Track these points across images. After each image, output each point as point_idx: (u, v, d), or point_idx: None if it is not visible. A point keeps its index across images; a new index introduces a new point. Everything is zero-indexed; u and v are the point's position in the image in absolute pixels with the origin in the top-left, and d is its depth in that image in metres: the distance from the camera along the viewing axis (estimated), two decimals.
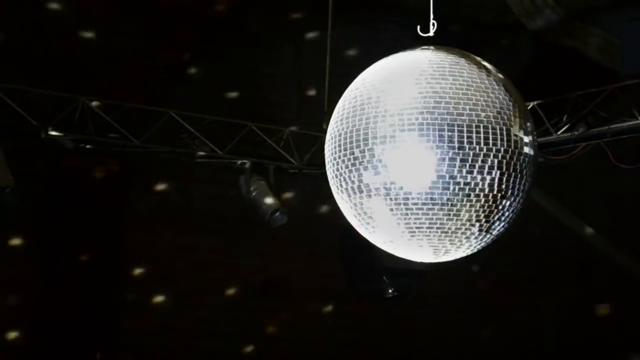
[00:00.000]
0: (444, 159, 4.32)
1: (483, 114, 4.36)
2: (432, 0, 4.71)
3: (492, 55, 5.00)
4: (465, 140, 4.32)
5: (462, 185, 4.35)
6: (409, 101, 4.37)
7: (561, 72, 10.39)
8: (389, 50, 4.68)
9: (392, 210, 4.43)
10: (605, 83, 9.01)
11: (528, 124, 4.50)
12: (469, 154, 4.33)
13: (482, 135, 4.34)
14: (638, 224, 11.31)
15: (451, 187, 4.35)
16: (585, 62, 10.19)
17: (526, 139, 4.46)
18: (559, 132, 9.15)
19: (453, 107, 4.35)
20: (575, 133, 9.04)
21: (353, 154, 4.45)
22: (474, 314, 11.86)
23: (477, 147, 4.33)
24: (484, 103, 4.38)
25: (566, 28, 10.24)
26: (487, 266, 10.95)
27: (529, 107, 6.21)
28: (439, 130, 4.32)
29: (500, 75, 4.53)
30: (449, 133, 4.32)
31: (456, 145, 4.32)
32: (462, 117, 4.34)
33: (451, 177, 4.34)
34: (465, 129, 4.33)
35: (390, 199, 4.41)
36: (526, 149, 4.45)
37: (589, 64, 10.16)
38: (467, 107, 4.35)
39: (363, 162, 4.43)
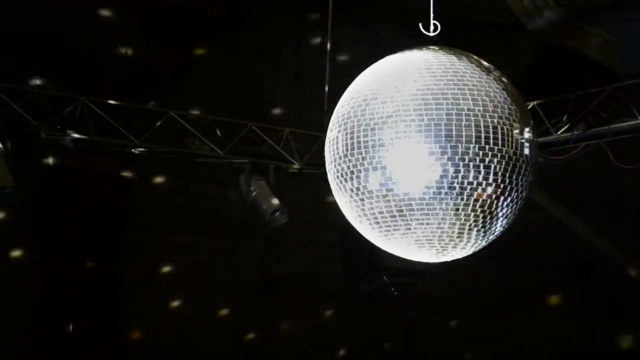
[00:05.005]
0: (444, 160, 4.32)
1: (482, 115, 4.36)
2: (432, 1, 4.71)
3: (492, 55, 5.00)
4: (465, 140, 4.32)
5: (462, 186, 4.35)
6: (409, 102, 4.37)
7: (561, 72, 10.39)
8: (389, 50, 4.67)
9: (392, 210, 4.43)
10: (605, 83, 9.01)
11: (528, 124, 4.50)
12: (469, 155, 4.33)
13: (482, 136, 4.34)
14: (638, 224, 11.31)
15: (452, 188, 4.35)
16: (585, 62, 10.20)
17: (526, 139, 4.46)
18: (559, 132, 9.15)
19: (453, 107, 4.35)
20: (575, 133, 9.05)
21: (353, 154, 4.45)
22: (474, 314, 11.86)
23: (478, 147, 4.33)
24: (484, 103, 4.38)
25: (566, 28, 10.25)
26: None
27: (529, 107, 6.21)
28: (439, 130, 4.32)
29: (501, 76, 4.53)
30: (449, 134, 4.32)
31: (456, 145, 4.32)
32: (463, 118, 4.34)
33: (451, 177, 4.33)
34: (465, 129, 4.33)
35: (391, 200, 4.41)
36: (526, 149, 4.45)
37: (589, 64, 10.16)
38: (468, 107, 4.35)
39: (363, 163, 4.42)
